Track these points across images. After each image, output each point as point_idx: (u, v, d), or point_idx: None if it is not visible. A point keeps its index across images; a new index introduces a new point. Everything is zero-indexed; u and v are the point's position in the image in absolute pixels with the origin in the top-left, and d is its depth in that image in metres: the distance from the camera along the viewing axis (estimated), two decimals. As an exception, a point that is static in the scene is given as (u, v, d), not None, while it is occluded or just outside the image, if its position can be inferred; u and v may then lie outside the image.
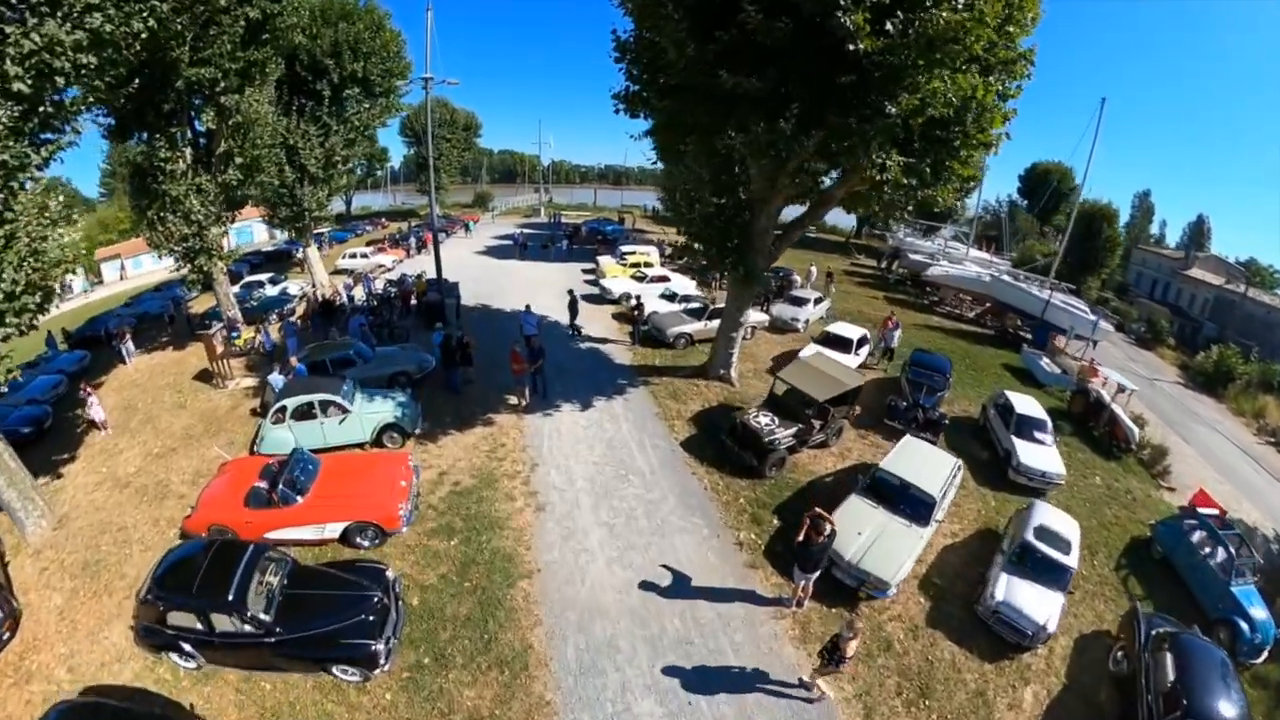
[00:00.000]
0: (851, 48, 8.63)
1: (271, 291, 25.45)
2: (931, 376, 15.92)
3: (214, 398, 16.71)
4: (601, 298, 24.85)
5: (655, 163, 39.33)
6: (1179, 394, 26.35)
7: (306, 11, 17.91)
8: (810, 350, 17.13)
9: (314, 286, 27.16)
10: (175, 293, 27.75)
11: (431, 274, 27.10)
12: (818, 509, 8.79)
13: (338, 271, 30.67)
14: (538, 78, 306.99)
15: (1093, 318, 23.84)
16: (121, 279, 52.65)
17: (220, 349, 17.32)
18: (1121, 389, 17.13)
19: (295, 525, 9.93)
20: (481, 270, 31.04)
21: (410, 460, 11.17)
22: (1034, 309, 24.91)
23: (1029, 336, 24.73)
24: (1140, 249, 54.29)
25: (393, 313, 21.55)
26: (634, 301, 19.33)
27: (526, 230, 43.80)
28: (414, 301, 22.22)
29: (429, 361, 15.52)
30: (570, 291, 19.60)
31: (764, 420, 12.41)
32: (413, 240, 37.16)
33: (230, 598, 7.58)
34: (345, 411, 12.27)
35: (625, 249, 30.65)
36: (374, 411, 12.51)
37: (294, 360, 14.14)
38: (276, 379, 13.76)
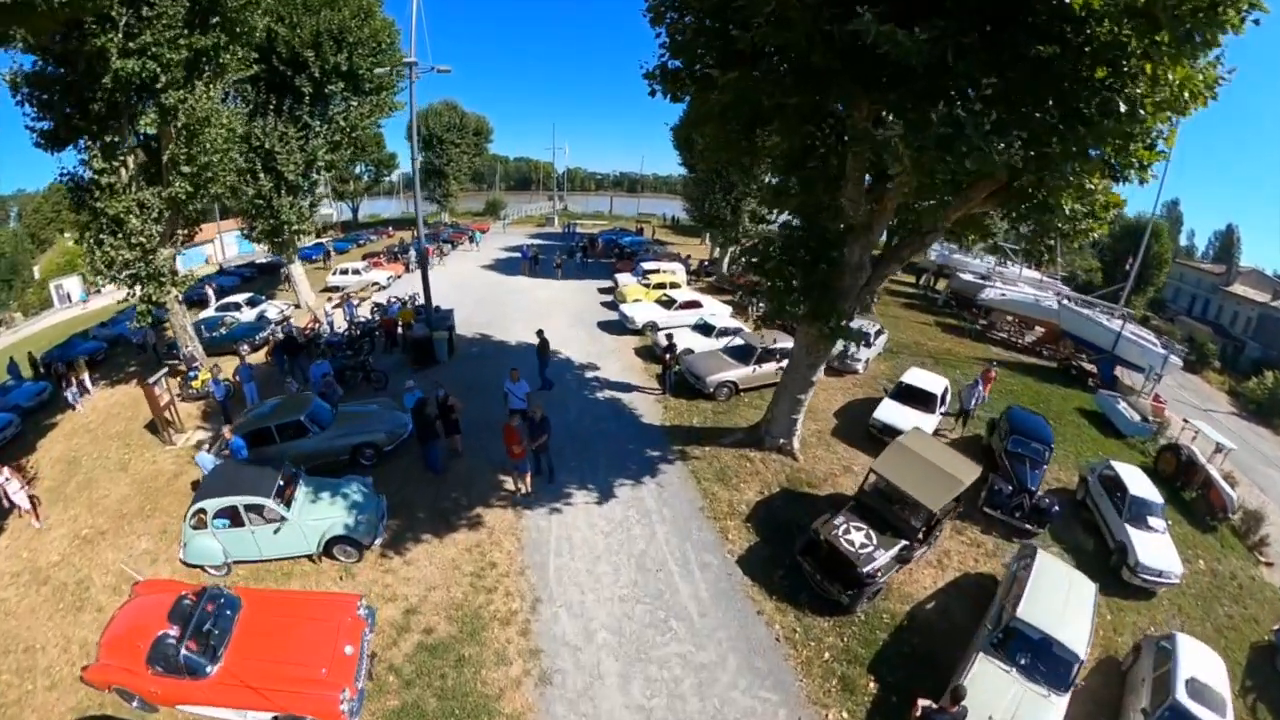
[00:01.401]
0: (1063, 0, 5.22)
1: (247, 315, 22.31)
2: (1031, 446, 12.54)
3: (159, 458, 13.79)
4: (621, 325, 21.42)
5: (684, 170, 36.14)
6: (1237, 427, 23.06)
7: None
8: (894, 412, 13.64)
9: (299, 306, 24.29)
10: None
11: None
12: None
13: (328, 289, 27.75)
14: (554, 84, 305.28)
15: (1162, 351, 20.74)
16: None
17: (164, 399, 14.35)
18: (1219, 448, 14.63)
19: (207, 705, 7.13)
20: (486, 289, 27.91)
21: (360, 607, 7.86)
22: (1104, 341, 21.62)
23: (1091, 369, 21.41)
24: (1178, 263, 50.25)
25: (372, 347, 18.41)
26: (664, 342, 15.88)
27: (537, 242, 40.71)
28: (400, 332, 18.92)
29: (404, 425, 12.25)
30: (540, 332, 15.59)
31: (857, 538, 8.98)
32: (412, 253, 34.00)
33: None
34: (281, 518, 9.09)
35: (647, 266, 27.23)
36: (319, 518, 9.26)
37: (227, 432, 11.00)
38: (205, 459, 10.66)
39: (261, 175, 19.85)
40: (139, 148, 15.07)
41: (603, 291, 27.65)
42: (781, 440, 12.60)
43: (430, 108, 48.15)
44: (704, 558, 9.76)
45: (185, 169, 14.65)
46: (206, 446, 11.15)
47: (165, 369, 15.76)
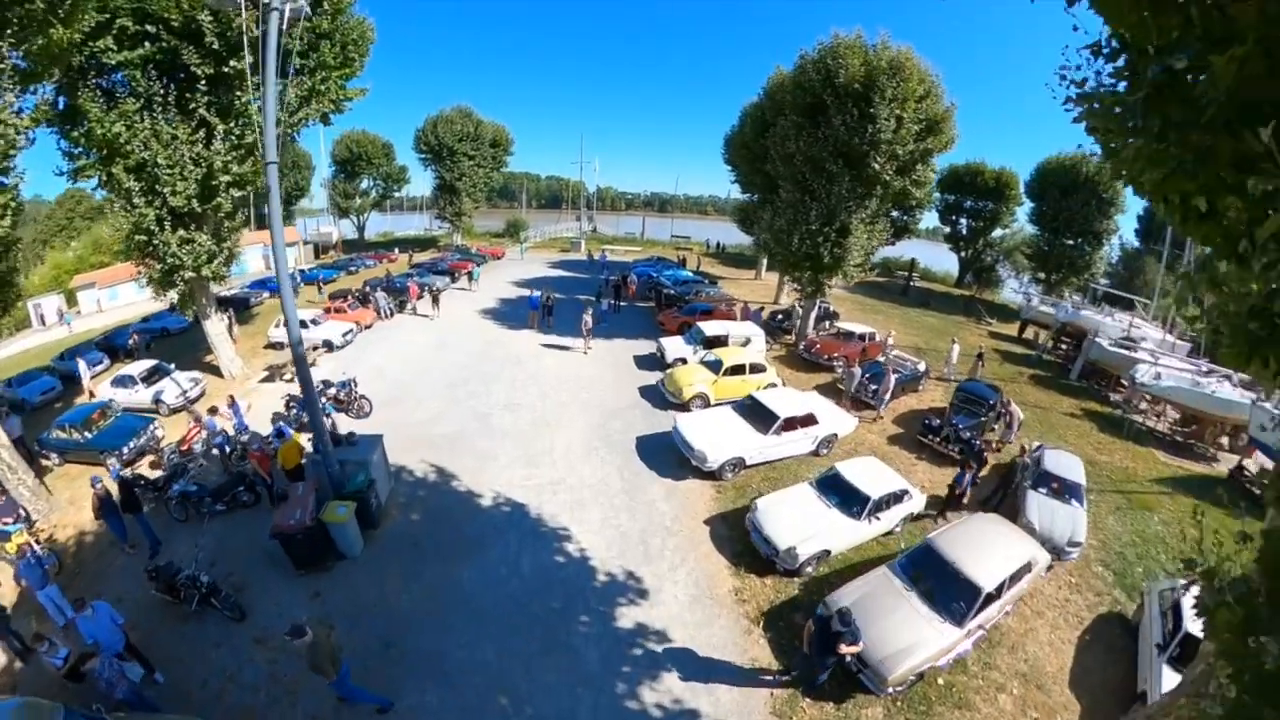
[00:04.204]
0: None
1: (138, 396, 14.98)
2: None
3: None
4: (673, 444, 12.85)
5: (740, 190, 28.08)
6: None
7: None
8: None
9: (225, 376, 17.27)
10: (46, 381, 17.55)
11: (376, 366, 15.91)
12: None
13: (272, 345, 20.63)
14: (586, 102, 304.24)
15: None
16: (99, 310, 45.14)
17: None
18: None
19: None
20: (472, 358, 19.31)
21: None
22: None
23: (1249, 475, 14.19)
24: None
25: (255, 499, 10.67)
26: (826, 611, 7.26)
27: (555, 273, 33.07)
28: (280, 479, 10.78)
29: None
30: (306, 639, 6.31)
31: None
32: (381, 299, 23.67)
33: None
34: None
35: (708, 329, 18.60)
36: None
37: None
38: None
39: (137, 199, 12.94)
40: None
41: (640, 362, 19.57)
42: None
43: (441, 114, 41.55)
44: None
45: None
46: None
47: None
